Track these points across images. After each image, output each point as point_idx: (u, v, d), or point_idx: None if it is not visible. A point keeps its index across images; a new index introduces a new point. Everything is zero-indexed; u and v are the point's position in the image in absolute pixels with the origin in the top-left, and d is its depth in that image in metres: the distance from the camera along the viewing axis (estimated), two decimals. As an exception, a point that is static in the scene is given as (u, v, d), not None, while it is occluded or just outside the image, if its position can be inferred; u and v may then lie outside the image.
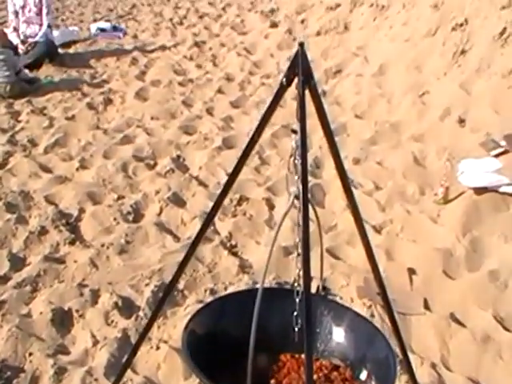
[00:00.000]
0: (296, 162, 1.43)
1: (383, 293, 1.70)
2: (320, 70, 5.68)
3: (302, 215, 1.36)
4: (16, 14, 6.81)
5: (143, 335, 1.83)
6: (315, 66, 5.30)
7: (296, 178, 1.43)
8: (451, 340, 2.44)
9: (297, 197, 1.50)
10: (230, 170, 1.51)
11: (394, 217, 3.34)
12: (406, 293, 2.71)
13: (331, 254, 3.06)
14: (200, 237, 1.64)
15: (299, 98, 1.33)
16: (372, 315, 2.59)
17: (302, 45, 1.34)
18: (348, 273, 2.85)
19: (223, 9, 9.60)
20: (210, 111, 5.10)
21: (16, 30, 6.78)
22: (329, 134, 1.40)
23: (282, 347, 1.79)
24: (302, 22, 7.47)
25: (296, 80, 1.36)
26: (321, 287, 1.85)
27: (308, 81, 1.35)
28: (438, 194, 3.43)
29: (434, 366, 2.31)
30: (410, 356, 1.86)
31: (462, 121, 4.16)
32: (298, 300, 1.58)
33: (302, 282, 1.42)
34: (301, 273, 1.56)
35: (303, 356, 1.78)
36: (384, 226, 3.27)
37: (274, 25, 7.64)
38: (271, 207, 3.58)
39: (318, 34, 6.88)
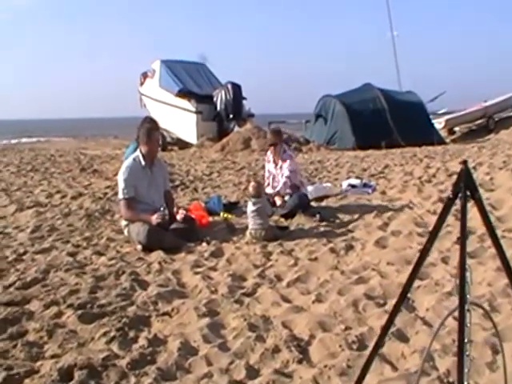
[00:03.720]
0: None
1: None
2: None
3: (459, 316, 1.59)
4: (270, 173, 7.88)
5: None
6: None
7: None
8: None
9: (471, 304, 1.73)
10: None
11: None
12: None
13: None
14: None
15: (461, 207, 1.62)
16: None
17: (465, 162, 1.65)
18: None
19: (474, 168, 9.80)
20: (445, 260, 5.27)
21: (270, 185, 7.80)
22: (495, 239, 1.64)
23: None
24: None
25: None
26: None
27: (472, 194, 1.64)
28: None
29: None
30: None
31: None
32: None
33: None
34: None
35: None
36: None
37: (522, 183, 7.67)
38: (495, 352, 3.58)
39: None
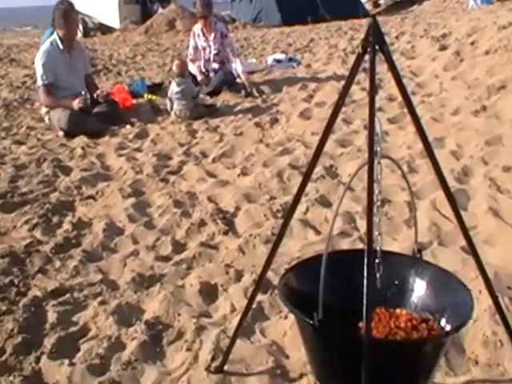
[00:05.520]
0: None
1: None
2: (483, 87, 5.69)
3: (367, 171, 1.59)
4: (196, 49, 7.58)
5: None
6: (478, 84, 5.33)
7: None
8: None
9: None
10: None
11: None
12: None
13: (466, 251, 3.13)
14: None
15: (370, 62, 1.59)
16: (499, 306, 2.64)
17: (373, 17, 1.61)
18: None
19: (396, 37, 9.81)
20: (367, 127, 5.32)
21: (193, 62, 7.54)
22: (404, 92, 1.64)
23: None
24: (472, 43, 7.43)
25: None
26: (416, 250, 2.05)
27: (381, 48, 1.61)
28: None
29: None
30: None
31: None
32: (377, 260, 1.81)
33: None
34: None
35: (397, 310, 1.99)
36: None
37: (443, 48, 7.70)
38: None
39: (487, 53, 6.83)
